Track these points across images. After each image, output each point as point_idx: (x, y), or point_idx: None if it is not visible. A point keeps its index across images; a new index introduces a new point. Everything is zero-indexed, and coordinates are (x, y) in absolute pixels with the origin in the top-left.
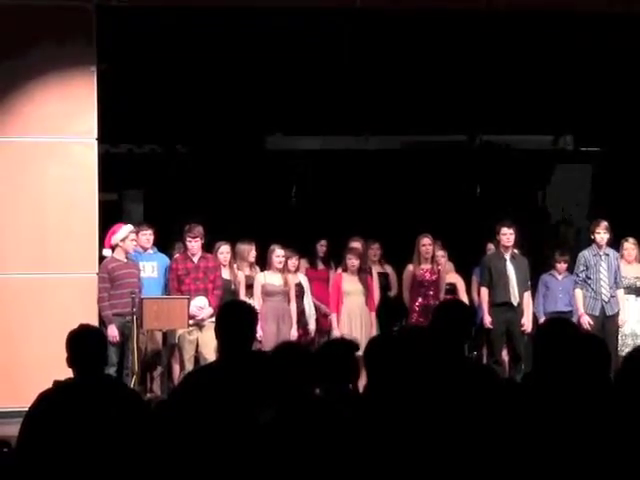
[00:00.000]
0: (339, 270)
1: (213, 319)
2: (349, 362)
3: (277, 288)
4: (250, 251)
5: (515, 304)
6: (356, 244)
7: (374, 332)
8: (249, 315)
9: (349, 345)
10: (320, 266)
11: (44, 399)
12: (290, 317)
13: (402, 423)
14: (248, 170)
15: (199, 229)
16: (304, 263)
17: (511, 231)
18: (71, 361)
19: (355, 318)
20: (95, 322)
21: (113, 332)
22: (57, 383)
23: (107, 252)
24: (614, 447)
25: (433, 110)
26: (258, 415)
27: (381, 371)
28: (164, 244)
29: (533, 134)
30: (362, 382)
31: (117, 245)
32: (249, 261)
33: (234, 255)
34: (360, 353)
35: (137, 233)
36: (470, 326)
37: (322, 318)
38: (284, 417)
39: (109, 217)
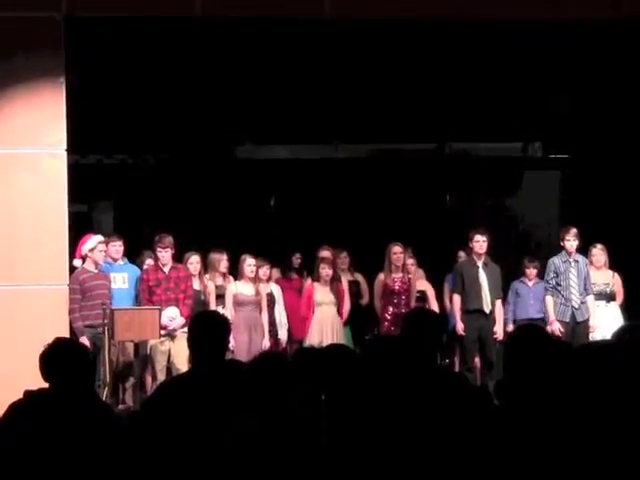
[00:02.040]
0: (309, 280)
1: (185, 329)
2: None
3: (249, 298)
4: (221, 261)
5: (487, 311)
6: (326, 253)
7: (343, 339)
8: (222, 325)
9: (321, 353)
10: (293, 276)
11: (14, 410)
12: (262, 327)
13: (374, 432)
14: (218, 180)
15: (169, 239)
16: (276, 273)
17: (484, 238)
18: (47, 376)
19: (326, 327)
20: (66, 333)
21: (85, 344)
22: (28, 393)
23: (77, 262)
24: (587, 453)
25: (402, 118)
26: (235, 425)
27: (350, 379)
28: (134, 255)
29: (502, 142)
30: None
31: (87, 256)
32: (221, 271)
33: (205, 265)
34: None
35: (107, 244)
36: (440, 334)
37: (294, 327)
38: (267, 427)
39: (79, 228)
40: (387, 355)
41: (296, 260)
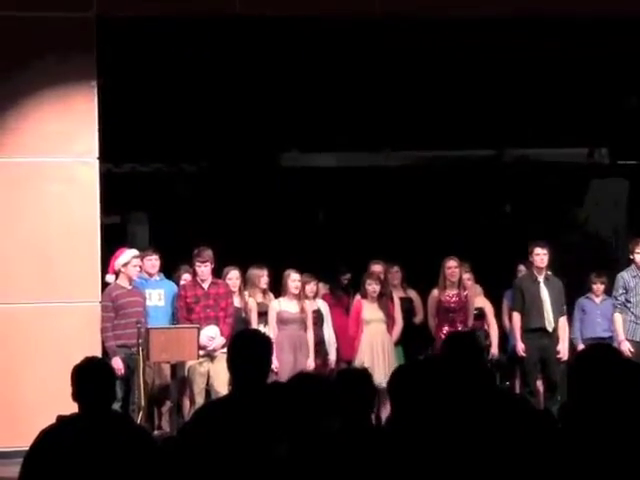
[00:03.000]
0: (357, 296)
1: (225, 350)
2: (364, 393)
3: (293, 315)
4: (261, 277)
5: (550, 330)
6: (376, 267)
7: (395, 361)
8: (264, 345)
9: (362, 375)
10: (341, 294)
11: (47, 436)
12: (307, 346)
13: (429, 458)
14: (260, 189)
15: (208, 253)
16: (323, 289)
17: (545, 251)
18: (76, 396)
19: (376, 347)
20: (98, 354)
21: (118, 365)
22: (61, 418)
23: (110, 278)
24: None
25: (459, 124)
26: (272, 450)
27: (406, 403)
28: (171, 270)
29: (567, 147)
30: (385, 414)
31: (120, 271)
32: (261, 287)
33: (244, 281)
34: (383, 384)
35: (142, 258)
36: (480, 359)
37: (342, 347)
38: (299, 452)
39: (112, 241)
40: (430, 378)
41: (344, 280)
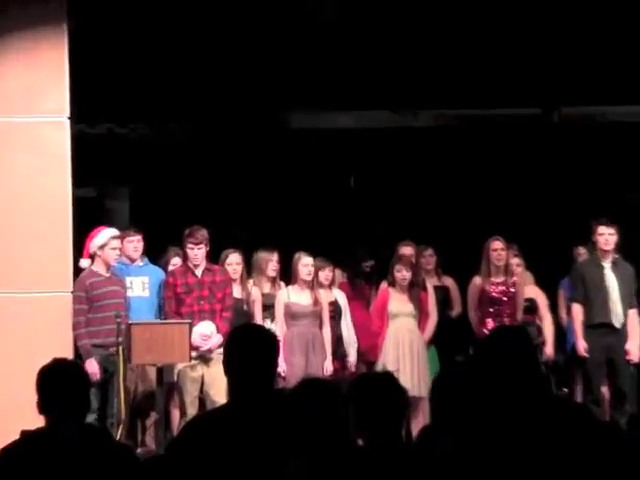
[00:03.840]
0: (384, 284)
1: (222, 350)
2: (391, 402)
3: (305, 308)
4: (270, 261)
5: (618, 326)
6: (406, 250)
7: (426, 364)
8: (269, 344)
9: (386, 380)
10: (362, 283)
11: (7, 455)
12: (323, 346)
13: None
14: (264, 157)
15: (203, 233)
16: (340, 276)
17: (611, 231)
18: (43, 406)
19: (404, 346)
20: (70, 355)
21: (93, 368)
22: (25, 434)
23: (84, 263)
24: None
25: (499, 77)
26: (279, 473)
27: (449, 415)
28: (157, 254)
29: (629, 104)
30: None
31: (96, 255)
32: (269, 275)
33: (247, 267)
34: (413, 392)
35: (122, 239)
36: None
37: (363, 345)
38: (316, 474)
39: (86, 219)
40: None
41: (366, 265)
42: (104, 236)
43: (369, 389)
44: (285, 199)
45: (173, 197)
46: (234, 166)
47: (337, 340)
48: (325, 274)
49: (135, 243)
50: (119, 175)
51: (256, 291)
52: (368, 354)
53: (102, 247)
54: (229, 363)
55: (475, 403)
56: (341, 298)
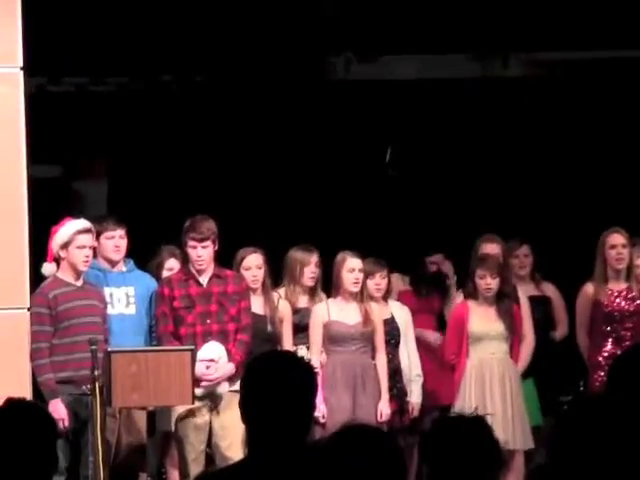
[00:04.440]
0: (459, 296)
1: (237, 386)
2: (483, 459)
3: (352, 329)
4: (308, 264)
5: None
6: (491, 248)
7: (522, 405)
8: (303, 379)
9: (478, 427)
10: (429, 290)
11: None
12: (376, 381)
13: None
14: (296, 118)
15: (209, 226)
16: (398, 281)
17: None
18: None
19: (492, 382)
20: (28, 394)
21: (59, 413)
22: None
23: (49, 269)
24: None
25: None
26: None
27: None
28: (146, 255)
29: None
30: None
31: (60, 257)
32: (305, 284)
33: (269, 271)
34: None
35: (97, 235)
36: None
37: (431, 380)
38: None
39: (50, 207)
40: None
41: (432, 265)
42: (67, 231)
43: (451, 441)
44: (322, 177)
45: (167, 176)
46: (254, 132)
47: (394, 373)
48: (375, 282)
49: (116, 240)
50: (93, 147)
51: (285, 306)
52: (438, 394)
53: (65, 246)
54: (247, 405)
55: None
56: (401, 314)
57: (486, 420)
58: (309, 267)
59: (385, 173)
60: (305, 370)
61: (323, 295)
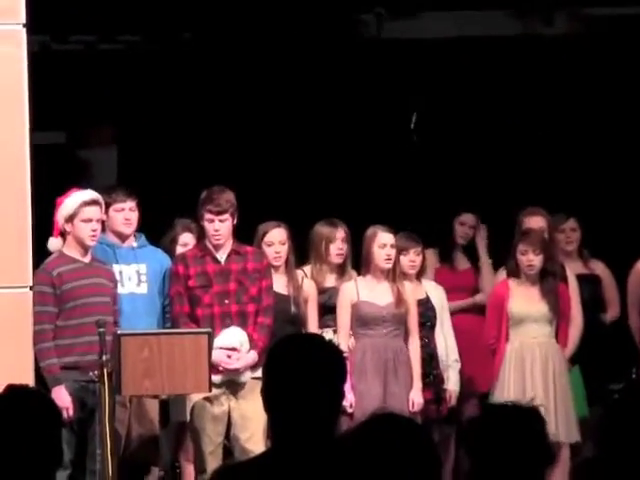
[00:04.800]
0: (502, 273)
1: (259, 373)
2: (533, 452)
3: (383, 310)
4: (335, 240)
5: None
6: (535, 221)
7: (569, 394)
8: (331, 364)
9: (529, 418)
10: (462, 263)
11: None
12: (409, 366)
13: None
14: (321, 81)
15: (227, 197)
16: (433, 257)
17: None
18: None
19: (534, 368)
20: (31, 380)
21: (63, 401)
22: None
23: (55, 244)
24: None
25: None
26: None
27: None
28: (159, 229)
29: None
30: None
31: (65, 231)
32: (332, 261)
33: (294, 247)
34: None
35: (107, 207)
36: None
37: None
38: None
39: (55, 176)
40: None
41: (461, 227)
42: (72, 202)
43: (501, 432)
44: (351, 143)
45: (182, 144)
46: (271, 99)
47: (430, 359)
48: (409, 258)
49: (126, 212)
50: (101, 111)
51: (310, 285)
52: (476, 381)
53: (70, 219)
54: (270, 393)
55: None
56: (436, 294)
57: (541, 412)
58: (335, 243)
59: (411, 140)
60: (333, 354)
61: (354, 273)
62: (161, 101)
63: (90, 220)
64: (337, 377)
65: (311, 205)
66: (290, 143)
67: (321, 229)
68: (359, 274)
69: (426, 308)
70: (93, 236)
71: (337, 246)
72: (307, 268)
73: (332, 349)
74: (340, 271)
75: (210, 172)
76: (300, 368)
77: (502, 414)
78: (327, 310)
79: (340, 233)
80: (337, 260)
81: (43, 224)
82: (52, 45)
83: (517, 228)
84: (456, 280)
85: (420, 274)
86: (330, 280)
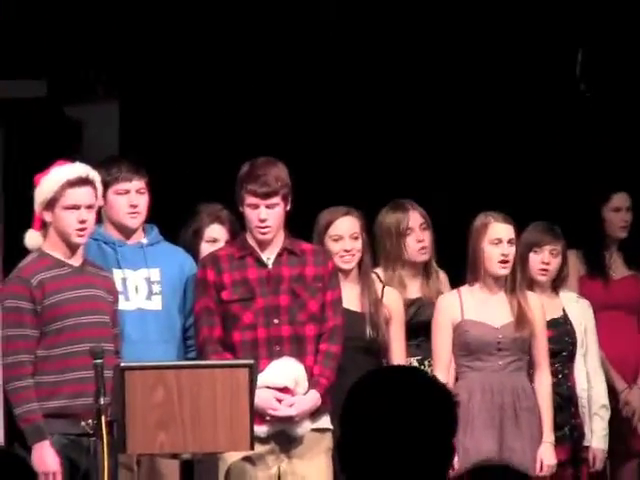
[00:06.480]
0: None
1: (322, 422)
2: None
3: (498, 333)
4: (410, 229)
5: None
6: None
7: None
8: (438, 411)
9: None
10: (619, 270)
11: None
12: (536, 412)
13: None
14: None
15: (278, 173)
16: (579, 262)
17: None
18: None
19: None
20: None
21: (47, 464)
22: None
23: (35, 239)
24: None
25: None
26: None
27: None
28: (177, 219)
29: None
30: None
31: (45, 222)
32: (411, 259)
33: (371, 245)
34: None
35: (104, 188)
36: None
37: None
38: None
39: (32, 144)
40: None
41: (617, 214)
42: (51, 182)
43: None
44: (425, 107)
45: (211, 97)
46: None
47: (567, 402)
48: (542, 259)
49: (132, 196)
50: (96, 54)
51: (395, 297)
52: (635, 435)
53: (50, 205)
54: (350, 452)
55: None
56: (579, 312)
57: None
58: (411, 235)
59: (577, 89)
60: (441, 397)
61: (442, 274)
62: (181, 37)
63: (77, 207)
64: (447, 429)
65: (386, 186)
66: (363, 104)
67: (388, 217)
68: (450, 277)
69: (562, 331)
70: (81, 229)
71: (416, 237)
72: (377, 272)
73: (440, 391)
74: (425, 273)
75: (246, 142)
76: (395, 417)
77: None
78: (412, 331)
79: (416, 218)
80: (418, 257)
81: (17, 212)
82: None
83: None
84: (610, 293)
85: (557, 283)
86: (413, 288)
